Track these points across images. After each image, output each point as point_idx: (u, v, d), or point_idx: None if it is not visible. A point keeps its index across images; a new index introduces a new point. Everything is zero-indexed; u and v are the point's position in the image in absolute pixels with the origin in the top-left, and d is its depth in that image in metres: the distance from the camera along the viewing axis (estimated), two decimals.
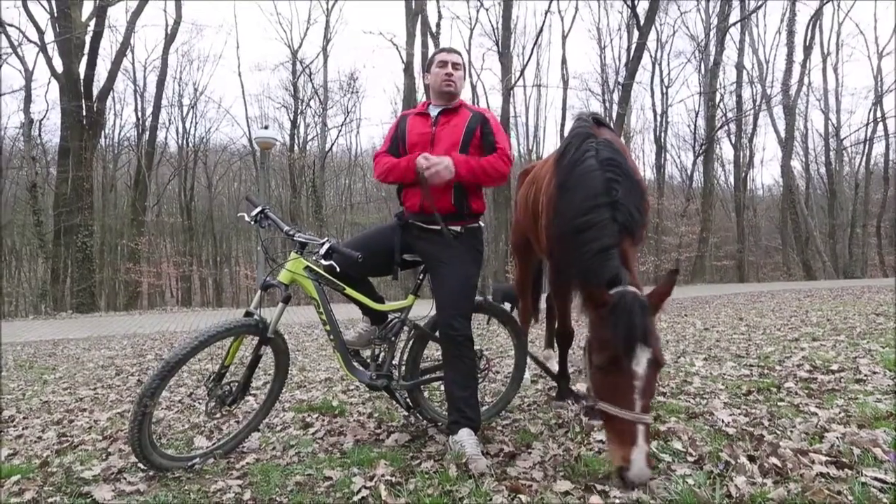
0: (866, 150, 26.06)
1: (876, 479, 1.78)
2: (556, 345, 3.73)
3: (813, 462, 1.94)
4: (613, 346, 1.72)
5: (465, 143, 2.36)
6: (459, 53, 2.53)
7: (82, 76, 15.68)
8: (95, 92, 16.44)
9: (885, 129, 24.94)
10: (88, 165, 16.05)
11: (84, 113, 15.67)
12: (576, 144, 2.31)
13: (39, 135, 20.83)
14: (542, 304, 4.16)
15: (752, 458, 1.99)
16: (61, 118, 15.85)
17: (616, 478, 1.71)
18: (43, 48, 16.48)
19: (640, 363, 1.70)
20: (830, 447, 2.10)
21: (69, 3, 15.32)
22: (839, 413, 2.58)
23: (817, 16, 23.49)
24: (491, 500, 1.76)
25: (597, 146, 2.24)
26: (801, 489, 1.69)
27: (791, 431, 2.35)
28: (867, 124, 25.40)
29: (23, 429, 3.02)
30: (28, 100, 17.77)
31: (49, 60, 16.15)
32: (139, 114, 22.68)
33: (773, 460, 1.95)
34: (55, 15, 15.63)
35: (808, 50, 23.77)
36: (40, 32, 16.48)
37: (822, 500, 1.63)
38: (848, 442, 2.13)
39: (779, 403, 2.84)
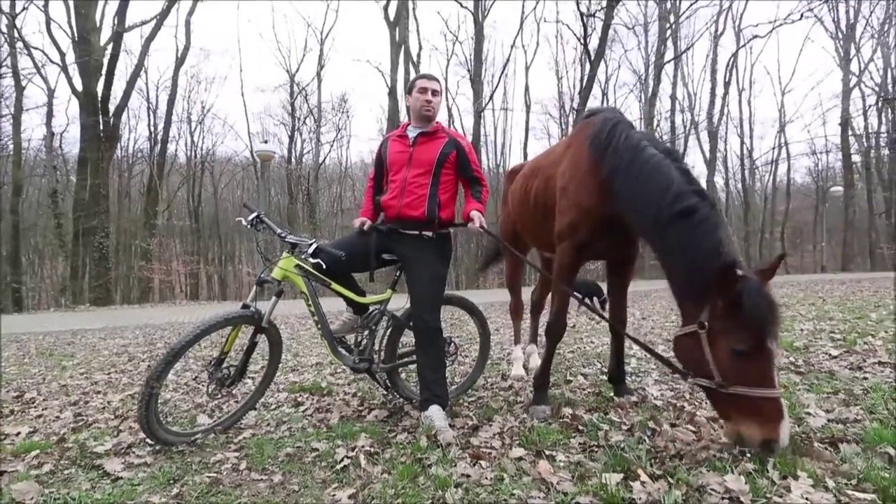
0: (773, 170, 27.26)
1: None
2: (536, 339, 3.49)
3: (723, 426, 2.01)
4: (759, 329, 1.57)
5: (438, 165, 2.37)
6: (438, 81, 2.49)
7: (100, 94, 15.12)
8: (112, 109, 15.86)
9: (788, 153, 26.28)
10: (105, 174, 15.48)
11: (101, 127, 15.10)
12: (624, 131, 2.08)
13: (60, 146, 20.03)
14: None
15: (673, 426, 2.05)
16: (80, 132, 15.24)
17: (763, 449, 1.60)
18: (64, 69, 15.87)
19: (775, 343, 1.61)
20: None
21: (88, 29, 14.77)
22: None
23: (734, 58, 24.38)
24: (455, 465, 1.77)
25: (648, 139, 2.04)
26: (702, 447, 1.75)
27: (706, 402, 2.42)
28: (774, 148, 26.57)
29: (43, 409, 2.90)
30: (50, 115, 17.18)
31: (70, 80, 15.55)
32: (151, 128, 22.08)
33: (689, 426, 2.02)
34: (76, 39, 15.05)
35: (727, 85, 24.62)
36: (62, 55, 15.88)
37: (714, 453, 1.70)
38: None
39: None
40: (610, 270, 2.63)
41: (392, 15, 19.34)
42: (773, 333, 1.60)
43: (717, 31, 23.97)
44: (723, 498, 1.44)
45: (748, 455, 1.69)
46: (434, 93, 2.41)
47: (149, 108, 22.09)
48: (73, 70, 15.42)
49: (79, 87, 15.04)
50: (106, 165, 15.50)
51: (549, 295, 3.07)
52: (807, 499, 1.41)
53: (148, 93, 22.08)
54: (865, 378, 2.68)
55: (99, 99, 15.02)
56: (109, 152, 15.98)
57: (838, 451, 1.72)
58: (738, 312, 1.59)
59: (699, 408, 2.33)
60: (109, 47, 15.54)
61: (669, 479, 1.56)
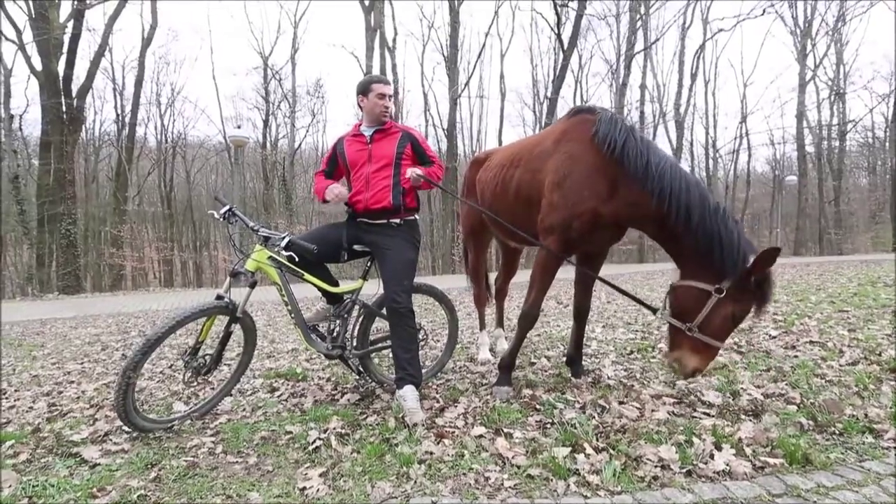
0: (735, 159, 28.17)
1: (703, 412, 2.04)
2: (496, 328, 3.52)
3: (664, 403, 2.19)
4: (762, 301, 1.97)
5: (397, 157, 2.44)
6: (391, 84, 2.56)
7: (61, 75, 14.33)
8: (75, 90, 15.06)
9: (749, 143, 27.14)
10: (70, 158, 14.76)
11: (64, 109, 14.35)
12: (639, 136, 2.19)
13: (20, 128, 18.92)
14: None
15: (621, 403, 2.21)
16: (42, 114, 14.45)
17: (688, 376, 2.10)
18: (21, 47, 14.95)
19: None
20: (678, 391, 2.37)
21: (47, 5, 13.90)
22: None
23: (700, 51, 24.87)
24: (420, 444, 1.87)
25: (652, 144, 2.22)
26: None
27: (655, 381, 2.61)
28: (735, 139, 27.41)
29: (14, 400, 2.87)
30: (7, 95, 16.21)
31: (28, 59, 14.67)
32: (118, 111, 21.06)
33: (635, 403, 2.18)
34: (33, 16, 14.15)
35: (693, 77, 25.15)
36: (18, 32, 14.93)
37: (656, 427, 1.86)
38: (691, 387, 2.40)
39: (651, 360, 3.12)
40: (580, 261, 2.69)
41: None
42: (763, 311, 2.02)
43: (685, 23, 24.37)
44: (655, 466, 1.59)
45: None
46: (390, 97, 2.50)
47: (115, 89, 21.07)
48: (32, 48, 14.56)
49: (38, 66, 14.22)
50: (71, 149, 14.78)
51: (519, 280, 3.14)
52: (727, 464, 1.58)
53: (114, 74, 21.04)
54: (796, 356, 2.91)
55: (60, 79, 14.24)
56: (74, 135, 15.22)
57: (761, 421, 1.91)
58: (760, 290, 1.95)
59: (646, 387, 2.51)
60: (70, 25, 14.69)
61: (611, 450, 1.71)
